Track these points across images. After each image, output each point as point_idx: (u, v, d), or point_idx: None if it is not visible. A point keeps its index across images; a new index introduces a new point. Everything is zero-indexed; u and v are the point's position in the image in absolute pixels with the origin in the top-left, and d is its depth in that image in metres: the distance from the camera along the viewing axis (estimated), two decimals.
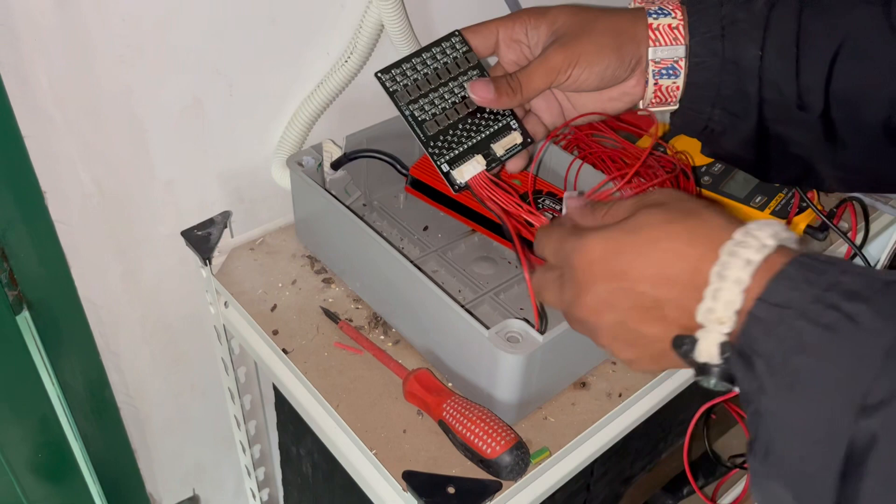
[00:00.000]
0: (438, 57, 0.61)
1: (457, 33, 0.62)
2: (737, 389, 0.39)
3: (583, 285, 0.44)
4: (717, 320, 0.38)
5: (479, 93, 0.58)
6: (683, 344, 0.40)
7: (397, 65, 0.60)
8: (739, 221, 0.41)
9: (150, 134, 0.67)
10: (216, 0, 0.64)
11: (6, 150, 0.60)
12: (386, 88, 0.59)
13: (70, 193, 0.66)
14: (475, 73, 0.61)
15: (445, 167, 0.58)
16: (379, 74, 0.59)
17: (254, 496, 0.93)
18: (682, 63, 0.56)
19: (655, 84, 0.57)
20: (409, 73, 0.60)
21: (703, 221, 0.41)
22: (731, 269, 0.38)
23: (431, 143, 0.58)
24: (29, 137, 0.61)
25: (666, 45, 0.56)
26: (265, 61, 0.70)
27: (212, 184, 0.74)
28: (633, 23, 0.57)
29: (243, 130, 0.73)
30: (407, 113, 0.58)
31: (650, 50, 0.56)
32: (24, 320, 0.70)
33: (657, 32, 0.56)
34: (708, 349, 0.39)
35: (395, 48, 0.73)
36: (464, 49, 0.61)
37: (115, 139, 0.66)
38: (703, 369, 0.40)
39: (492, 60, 0.63)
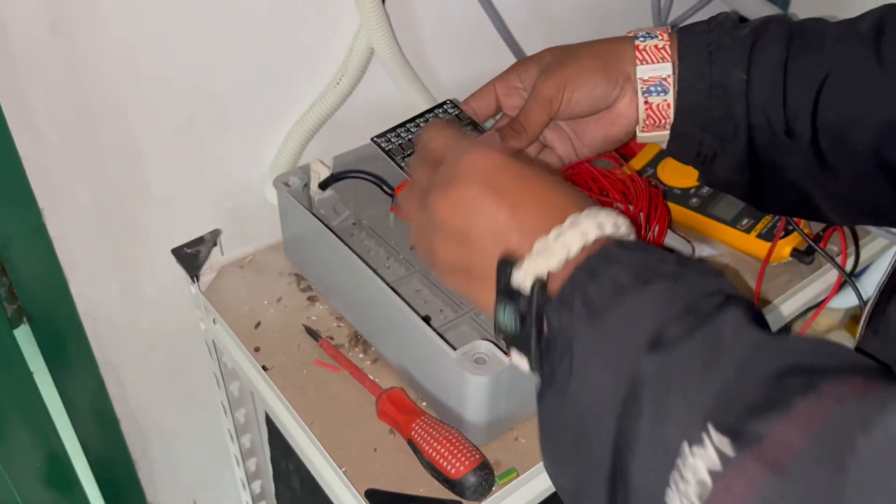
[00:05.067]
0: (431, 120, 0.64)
1: (448, 101, 0.66)
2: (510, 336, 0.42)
3: (460, 178, 0.44)
4: (549, 253, 0.40)
5: None
6: (508, 264, 0.42)
7: (391, 130, 0.64)
8: None
9: (145, 154, 0.69)
10: (209, 25, 0.65)
11: (5, 169, 0.63)
12: (382, 148, 0.63)
13: (67, 211, 0.68)
14: (468, 128, 0.64)
15: None
16: (374, 139, 0.63)
17: None
18: (671, 80, 0.57)
19: (646, 102, 0.58)
20: (402, 135, 0.64)
21: (582, 195, 0.45)
22: (583, 223, 0.41)
23: None
24: (27, 157, 0.63)
25: (653, 62, 0.57)
26: (258, 83, 0.72)
27: (207, 202, 0.76)
28: (617, 46, 0.59)
29: (237, 151, 0.75)
30: (403, 164, 0.61)
31: (638, 68, 0.58)
32: (24, 333, 0.72)
33: (644, 52, 0.58)
34: (525, 275, 0.40)
35: (387, 70, 0.74)
36: (456, 112, 0.65)
37: (111, 159, 0.68)
38: (507, 296, 0.41)
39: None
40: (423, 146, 0.50)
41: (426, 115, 0.65)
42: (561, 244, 0.40)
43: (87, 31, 0.61)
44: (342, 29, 0.72)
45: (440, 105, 0.65)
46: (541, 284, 0.40)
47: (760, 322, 0.36)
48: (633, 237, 0.43)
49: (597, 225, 0.41)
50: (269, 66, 0.71)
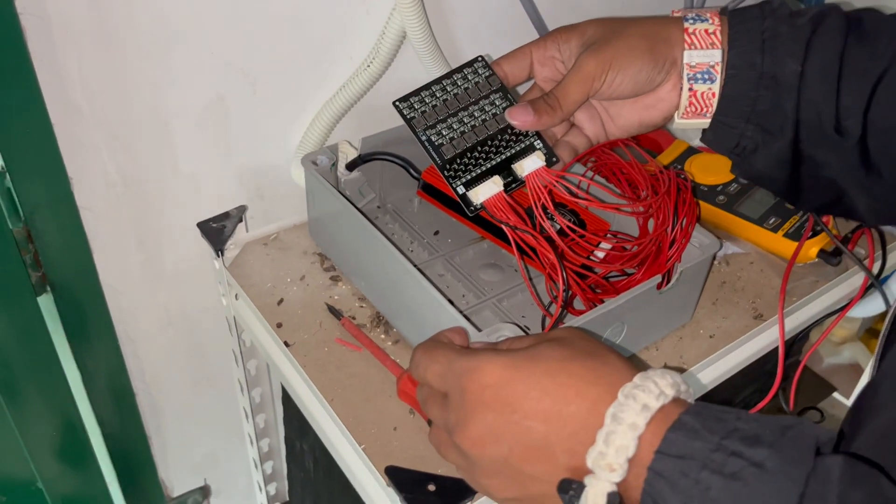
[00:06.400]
0: (459, 83, 0.61)
1: (480, 58, 0.63)
2: None
3: (470, 412, 0.41)
4: (607, 467, 0.36)
5: (519, 118, 0.58)
6: (570, 489, 0.38)
7: (416, 92, 0.61)
8: (639, 367, 0.40)
9: (174, 128, 0.70)
10: (243, 2, 0.66)
11: (37, 137, 0.63)
12: (403, 116, 0.60)
13: (95, 181, 0.69)
14: (497, 95, 0.61)
15: (461, 189, 0.58)
16: (397, 103, 0.60)
17: (261, 489, 0.95)
18: (719, 68, 0.55)
19: (690, 90, 0.56)
20: (427, 100, 0.60)
21: (604, 362, 0.40)
22: (628, 413, 0.37)
23: (448, 167, 0.58)
24: (58, 125, 0.64)
25: (702, 48, 0.55)
26: (289, 63, 0.72)
27: (233, 180, 0.76)
28: (665, 27, 0.57)
29: (266, 129, 0.75)
30: (424, 138, 0.59)
31: (685, 53, 0.56)
32: (47, 301, 0.72)
33: (693, 36, 0.55)
34: (595, 498, 0.36)
35: (418, 55, 0.74)
36: (486, 73, 0.62)
37: (140, 131, 0.68)
38: None
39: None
40: (421, 384, 0.47)
41: (453, 76, 0.62)
42: (615, 449, 0.36)
43: (122, 1, 0.61)
44: (375, 11, 0.72)
45: (470, 63, 0.62)
46: (617, 497, 0.36)
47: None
48: (690, 396, 0.39)
49: (642, 406, 0.37)
50: (301, 46, 0.71)
